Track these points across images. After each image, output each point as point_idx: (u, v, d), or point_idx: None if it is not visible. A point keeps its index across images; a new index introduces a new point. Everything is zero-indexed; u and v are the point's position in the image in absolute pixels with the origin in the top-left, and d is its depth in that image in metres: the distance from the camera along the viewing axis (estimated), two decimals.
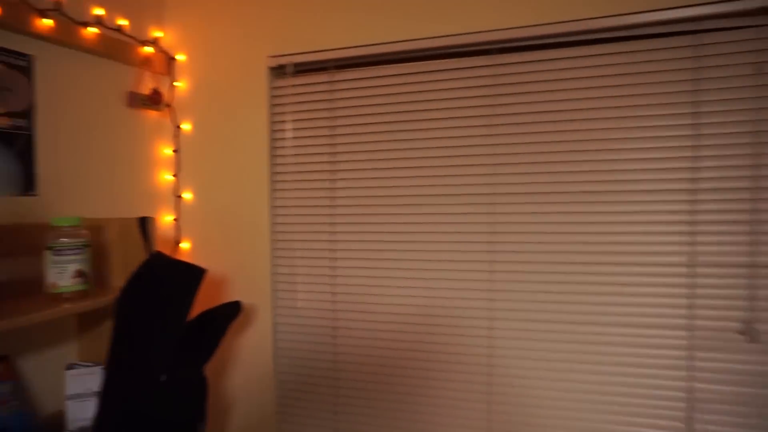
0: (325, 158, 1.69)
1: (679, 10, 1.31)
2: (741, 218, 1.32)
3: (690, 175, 1.36)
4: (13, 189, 1.34)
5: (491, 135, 1.52)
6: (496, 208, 1.52)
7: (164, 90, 1.81)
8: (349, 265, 1.68)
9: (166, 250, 1.83)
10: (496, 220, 1.52)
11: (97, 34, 1.53)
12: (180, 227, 1.85)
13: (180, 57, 1.82)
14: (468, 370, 1.57)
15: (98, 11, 1.53)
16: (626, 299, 1.42)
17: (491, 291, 1.54)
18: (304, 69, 1.72)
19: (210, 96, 1.79)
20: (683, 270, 1.38)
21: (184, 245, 1.85)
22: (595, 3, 1.38)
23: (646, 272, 1.40)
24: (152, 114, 1.79)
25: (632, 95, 1.39)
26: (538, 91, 1.47)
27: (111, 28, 1.59)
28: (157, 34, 1.78)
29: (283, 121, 1.74)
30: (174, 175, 1.84)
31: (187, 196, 1.84)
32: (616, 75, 1.40)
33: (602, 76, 1.41)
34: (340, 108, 1.67)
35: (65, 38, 1.43)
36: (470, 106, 1.53)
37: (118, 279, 1.47)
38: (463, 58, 1.53)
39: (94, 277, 1.43)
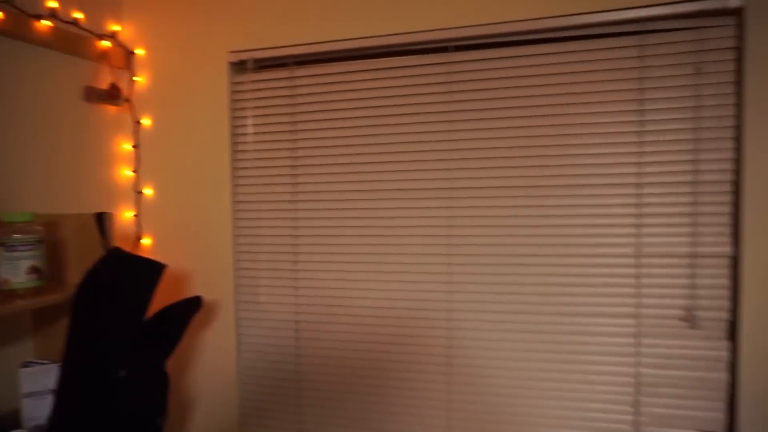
0: (287, 153, 1.70)
1: (625, 11, 1.36)
2: (683, 210, 1.39)
3: (636, 169, 1.42)
4: None
5: (449, 131, 1.55)
6: (454, 202, 1.56)
7: (123, 85, 1.78)
8: (311, 260, 1.70)
9: (127, 246, 1.82)
10: (454, 214, 1.56)
11: (51, 27, 1.50)
12: (141, 223, 1.83)
13: (139, 51, 1.80)
14: (428, 360, 1.61)
15: (52, 3, 1.51)
16: (578, 289, 1.48)
17: (450, 283, 1.58)
18: (264, 65, 1.73)
19: (170, 91, 1.78)
20: (630, 261, 1.44)
21: (146, 241, 1.84)
22: (548, 3, 1.42)
23: (597, 263, 1.46)
24: (111, 109, 1.77)
25: (582, 93, 1.44)
26: (493, 88, 1.51)
27: (66, 21, 1.57)
28: (115, 27, 1.76)
29: (244, 117, 1.74)
30: (134, 171, 1.82)
31: (148, 191, 1.83)
32: (566, 73, 1.45)
33: (554, 74, 1.46)
34: (300, 104, 1.68)
35: (17, 31, 1.40)
36: (428, 102, 1.57)
37: (75, 275, 1.46)
38: (420, 56, 1.56)
39: (49, 273, 1.42)
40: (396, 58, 1.58)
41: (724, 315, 1.38)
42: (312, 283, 1.70)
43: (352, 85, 1.62)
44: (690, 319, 1.41)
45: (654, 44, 1.38)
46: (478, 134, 1.53)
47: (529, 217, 1.50)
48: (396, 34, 1.55)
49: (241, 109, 1.74)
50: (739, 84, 1.33)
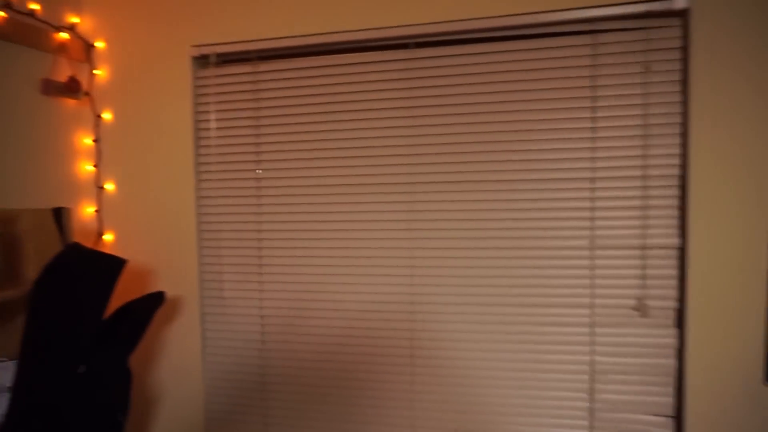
0: (251, 149, 1.71)
1: (578, 11, 1.41)
2: (633, 204, 1.45)
3: (590, 164, 1.47)
4: None
5: (409, 126, 1.58)
6: (415, 196, 1.59)
7: (83, 78, 1.76)
8: (275, 254, 1.71)
9: (89, 242, 1.79)
10: (415, 208, 1.59)
11: (6, 18, 1.47)
12: (102, 219, 1.81)
13: (99, 44, 1.77)
14: (392, 353, 1.64)
15: None
16: (536, 281, 1.52)
17: (412, 276, 1.61)
18: (228, 59, 1.72)
19: (131, 85, 1.76)
20: (585, 253, 1.49)
21: (108, 237, 1.81)
22: (507, 1, 1.46)
23: (554, 255, 1.51)
24: (70, 102, 1.74)
25: (538, 89, 1.49)
26: (453, 85, 1.54)
27: (22, 13, 1.53)
28: (74, 20, 1.73)
29: (207, 111, 1.73)
30: (95, 166, 1.80)
31: (110, 187, 1.80)
32: (524, 70, 1.49)
33: (511, 71, 1.50)
34: (264, 99, 1.68)
35: None
36: (389, 98, 1.59)
37: (32, 271, 1.43)
38: (382, 52, 1.59)
39: (5, 269, 1.39)
40: (358, 54, 1.60)
41: (673, 304, 1.44)
42: (276, 278, 1.71)
43: (315, 80, 1.64)
44: (641, 308, 1.47)
45: (605, 43, 1.43)
46: (438, 130, 1.56)
47: (488, 211, 1.54)
48: (358, 30, 1.57)
49: (205, 103, 1.73)
50: (685, 82, 1.39)
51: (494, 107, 1.52)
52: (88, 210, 1.80)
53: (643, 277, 1.46)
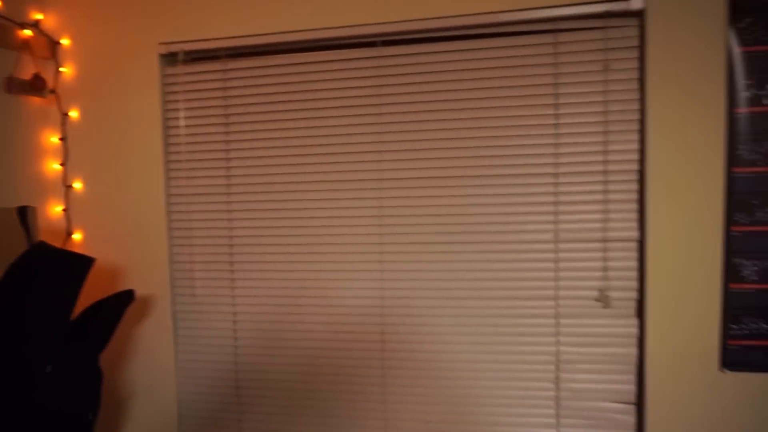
0: (221, 146, 1.71)
1: (540, 10, 1.45)
2: (595, 198, 1.49)
3: (553, 160, 1.51)
4: None
5: (378, 123, 1.60)
6: (384, 192, 1.61)
7: (48, 76, 1.73)
8: (246, 251, 1.71)
9: (57, 242, 1.77)
10: (384, 204, 1.61)
11: None
12: (70, 218, 1.79)
13: (64, 41, 1.75)
14: (363, 347, 1.66)
15: None
16: (503, 274, 1.56)
17: (382, 271, 1.63)
18: (196, 57, 1.72)
19: (98, 82, 1.75)
20: (550, 246, 1.53)
21: (76, 236, 1.80)
22: (470, 1, 1.49)
23: (520, 249, 1.54)
24: (35, 100, 1.72)
25: (503, 87, 1.52)
26: (420, 82, 1.57)
27: None
28: (38, 16, 1.70)
29: (176, 110, 1.73)
30: (62, 164, 1.78)
31: (78, 185, 1.78)
32: (489, 68, 1.52)
33: (476, 69, 1.53)
34: (233, 96, 1.69)
35: None
36: (358, 96, 1.61)
37: None
38: (350, 50, 1.60)
39: None
40: (326, 51, 1.61)
41: (633, 294, 1.49)
42: (248, 275, 1.72)
43: (284, 78, 1.64)
44: (603, 300, 1.51)
45: (566, 42, 1.47)
46: (405, 126, 1.58)
47: (455, 206, 1.57)
48: (326, 29, 1.58)
49: (174, 101, 1.73)
50: (642, 80, 1.43)
51: (460, 104, 1.55)
52: (56, 209, 1.78)
53: (605, 269, 1.50)
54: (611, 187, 1.48)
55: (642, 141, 1.45)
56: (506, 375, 1.58)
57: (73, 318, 1.44)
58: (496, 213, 1.55)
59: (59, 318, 1.33)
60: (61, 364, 1.36)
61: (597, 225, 1.50)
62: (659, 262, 1.43)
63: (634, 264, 1.49)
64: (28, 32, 1.65)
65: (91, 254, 1.76)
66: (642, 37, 1.42)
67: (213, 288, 1.75)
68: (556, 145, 1.50)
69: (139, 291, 1.76)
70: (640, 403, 1.51)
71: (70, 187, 1.78)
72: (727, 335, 1.41)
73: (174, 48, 1.69)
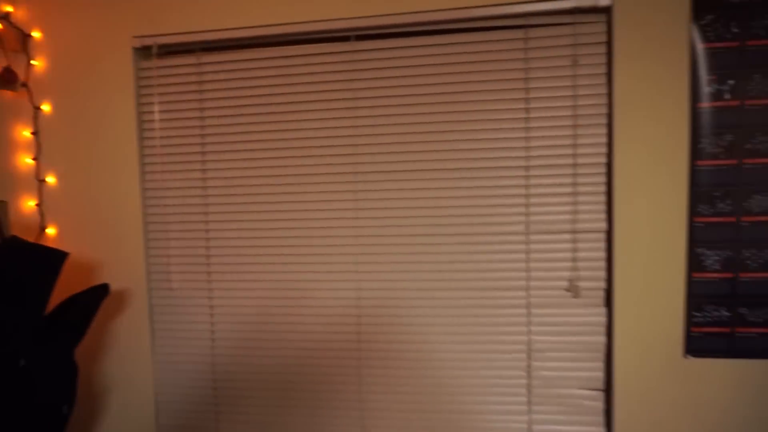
0: (196, 140, 1.71)
1: (511, 6, 1.47)
2: (564, 190, 1.53)
3: (524, 153, 1.54)
4: None
5: (352, 117, 1.61)
6: (359, 186, 1.63)
7: (19, 69, 1.71)
8: (222, 245, 1.72)
9: (31, 237, 1.76)
10: (359, 197, 1.63)
11: None
12: (44, 212, 1.78)
13: (36, 34, 1.73)
14: (340, 338, 1.68)
15: None
16: (476, 266, 1.59)
17: (357, 264, 1.65)
18: (170, 50, 1.71)
19: (71, 76, 1.73)
20: (522, 238, 1.56)
21: (50, 231, 1.78)
22: None
23: (492, 241, 1.58)
24: (6, 94, 1.70)
25: (475, 81, 1.54)
26: (393, 77, 1.58)
27: None
28: (7, 8, 1.68)
29: (151, 103, 1.72)
30: (34, 159, 1.76)
31: (51, 180, 1.77)
32: (461, 63, 1.55)
33: (449, 63, 1.55)
34: (208, 90, 1.68)
35: None
36: (332, 90, 1.62)
37: None
38: (325, 44, 1.61)
39: None
40: (301, 46, 1.62)
41: (602, 284, 1.54)
42: (224, 269, 1.73)
43: (259, 72, 1.65)
44: (573, 290, 1.55)
45: (537, 38, 1.50)
46: (379, 120, 1.60)
47: (428, 199, 1.59)
48: (301, 23, 1.59)
49: (148, 95, 1.72)
50: (609, 75, 1.47)
51: (433, 98, 1.57)
52: (28, 204, 1.76)
53: (575, 260, 1.54)
54: (580, 180, 1.51)
55: (610, 135, 1.48)
56: (479, 364, 1.61)
57: (47, 312, 1.44)
58: (469, 205, 1.58)
59: (33, 312, 1.33)
60: (35, 358, 1.36)
61: (567, 217, 1.53)
62: (626, 253, 1.47)
63: (602, 255, 1.53)
64: None
65: (65, 249, 1.76)
66: (609, 33, 1.46)
67: (189, 282, 1.75)
68: (527, 138, 1.53)
69: (115, 285, 1.76)
70: (608, 390, 1.55)
71: (43, 181, 1.77)
72: (690, 323, 1.46)
73: (148, 41, 1.68)
